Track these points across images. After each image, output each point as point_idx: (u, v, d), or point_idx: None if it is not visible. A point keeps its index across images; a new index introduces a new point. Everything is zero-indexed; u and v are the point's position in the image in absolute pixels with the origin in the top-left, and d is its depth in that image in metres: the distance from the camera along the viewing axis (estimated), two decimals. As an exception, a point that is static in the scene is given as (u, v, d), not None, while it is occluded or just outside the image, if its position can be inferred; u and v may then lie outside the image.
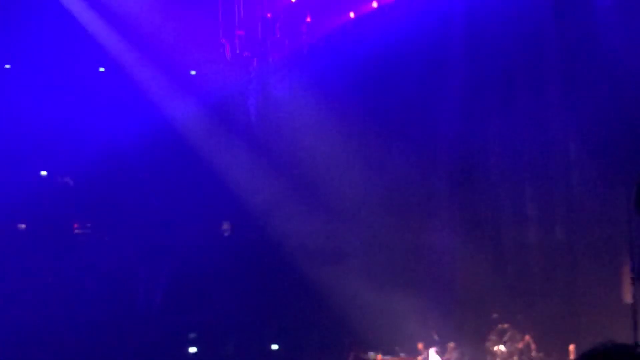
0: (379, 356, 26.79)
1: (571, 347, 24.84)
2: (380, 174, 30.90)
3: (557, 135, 28.99)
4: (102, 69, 32.32)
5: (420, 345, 25.96)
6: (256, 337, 31.08)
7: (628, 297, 25.36)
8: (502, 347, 26.09)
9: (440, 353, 26.24)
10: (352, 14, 31.16)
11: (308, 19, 30.80)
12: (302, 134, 30.31)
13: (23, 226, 33.13)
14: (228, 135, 32.10)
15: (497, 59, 29.23)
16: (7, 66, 32.29)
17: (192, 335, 32.27)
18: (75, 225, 33.87)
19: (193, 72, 32.47)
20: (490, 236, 30.49)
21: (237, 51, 31.22)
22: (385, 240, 30.25)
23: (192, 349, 31.90)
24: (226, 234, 33.47)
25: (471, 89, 30.02)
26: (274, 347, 31.24)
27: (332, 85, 30.71)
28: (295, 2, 30.96)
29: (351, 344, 28.24)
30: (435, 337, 26.44)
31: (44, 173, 33.47)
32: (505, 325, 26.59)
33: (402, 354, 27.54)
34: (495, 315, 27.18)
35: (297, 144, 30.42)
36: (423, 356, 23.65)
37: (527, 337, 26.08)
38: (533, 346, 25.89)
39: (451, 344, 25.51)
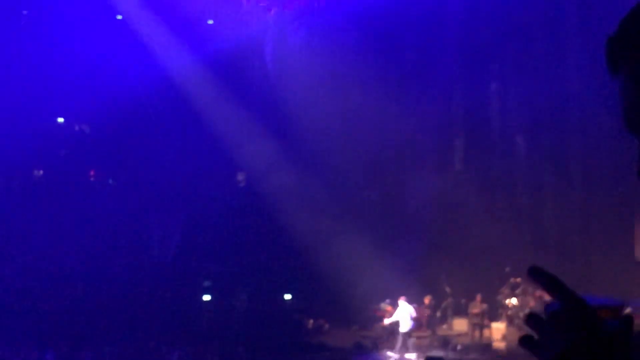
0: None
1: None
2: (394, 124, 30.84)
3: (573, 89, 28.78)
4: (119, 17, 32.23)
5: (427, 299, 26.04)
6: (269, 287, 31.34)
7: (640, 254, 25.44)
8: (513, 301, 26.20)
9: (457, 305, 26.36)
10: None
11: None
12: (316, 83, 30.15)
13: (40, 172, 33.38)
14: (244, 84, 32.03)
15: (513, 10, 28.93)
16: (25, 12, 32.26)
17: (206, 284, 32.57)
18: (92, 173, 34.10)
19: (210, 22, 32.35)
20: (505, 191, 30.49)
21: (254, 0, 31.03)
22: (399, 193, 30.29)
23: (206, 297, 32.22)
24: (241, 185, 33.64)
25: (487, 41, 29.79)
26: (287, 296, 31.53)
27: (346, 34, 30.53)
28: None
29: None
30: (448, 289, 26.60)
31: (60, 120, 33.62)
32: (518, 280, 26.65)
33: (414, 305, 27.73)
34: (507, 269, 27.25)
35: (312, 93, 30.25)
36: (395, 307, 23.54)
37: (538, 292, 26.14)
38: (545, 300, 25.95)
39: (479, 296, 25.58)
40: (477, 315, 25.72)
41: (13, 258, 31.43)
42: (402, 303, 23.24)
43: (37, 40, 31.25)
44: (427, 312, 26.45)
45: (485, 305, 25.49)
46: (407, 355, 22.78)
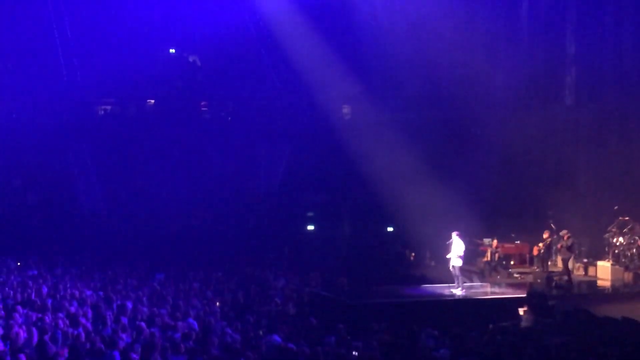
0: (495, 242, 26.75)
1: None
2: (505, 73, 30.32)
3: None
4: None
5: (546, 234, 25.60)
6: (371, 219, 31.53)
7: None
8: (621, 239, 25.59)
9: (550, 241, 25.89)
10: None
11: None
12: (426, 12, 29.68)
13: (152, 102, 34.34)
14: (352, 15, 31.81)
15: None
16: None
17: (309, 214, 33.03)
18: (202, 103, 34.82)
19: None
20: (618, 127, 29.62)
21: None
22: (505, 129, 29.69)
23: (310, 227, 32.71)
24: (346, 117, 33.73)
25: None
26: (389, 228, 31.71)
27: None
28: None
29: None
30: (552, 225, 26.15)
31: (172, 51, 34.35)
32: (626, 218, 25.97)
33: (517, 241, 27.46)
34: (616, 208, 26.58)
35: (422, 23, 29.83)
36: (448, 241, 22.92)
37: (646, 230, 25.51)
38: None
39: (564, 232, 25.06)
40: (558, 249, 24.99)
41: (127, 185, 32.65)
42: (455, 237, 22.61)
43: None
44: (541, 247, 25.95)
45: (567, 242, 24.64)
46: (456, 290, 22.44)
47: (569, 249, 24.34)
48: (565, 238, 24.31)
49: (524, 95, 30.22)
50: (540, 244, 25.68)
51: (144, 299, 18.88)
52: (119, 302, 17.55)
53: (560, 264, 25.19)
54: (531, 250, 26.88)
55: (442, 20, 29.40)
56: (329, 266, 27.80)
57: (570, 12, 30.00)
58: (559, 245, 24.83)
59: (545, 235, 25.64)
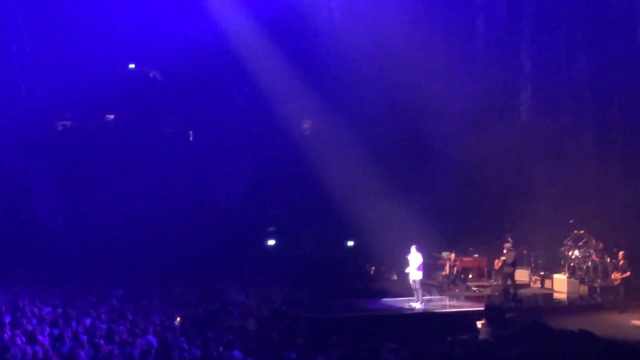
0: (453, 255, 27.03)
1: (620, 254, 24.44)
2: (463, 90, 30.63)
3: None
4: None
5: (507, 246, 25.79)
6: (332, 233, 31.63)
7: None
8: (576, 252, 26.01)
9: (520, 256, 26.22)
10: None
11: None
12: (385, 29, 29.92)
13: (111, 117, 34.21)
14: (312, 32, 31.98)
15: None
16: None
17: (270, 229, 33.07)
18: (162, 119, 34.75)
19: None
20: (572, 142, 30.15)
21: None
22: (472, 145, 30.01)
23: (271, 242, 32.74)
24: (307, 133, 33.87)
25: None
26: (350, 243, 31.88)
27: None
28: None
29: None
30: (509, 239, 26.49)
31: (132, 66, 34.24)
32: (582, 231, 26.42)
33: (475, 255, 27.76)
34: (571, 221, 27.04)
35: (380, 40, 30.05)
36: (407, 255, 23.42)
37: (601, 244, 25.92)
38: (606, 253, 25.70)
39: (507, 244, 25.42)
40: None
41: (86, 201, 32.43)
42: (413, 251, 23.09)
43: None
44: (501, 261, 26.09)
45: (509, 255, 25.03)
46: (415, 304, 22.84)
47: (512, 264, 24.84)
48: (505, 252, 24.86)
49: (481, 111, 30.57)
50: (502, 257, 25.98)
51: (103, 315, 18.78)
52: (77, 319, 17.44)
53: (516, 277, 25.56)
54: (489, 263, 27.19)
55: (401, 38, 29.67)
56: (289, 281, 27.90)
57: (524, 30, 30.54)
58: (503, 260, 25.20)
59: (505, 249, 25.96)
